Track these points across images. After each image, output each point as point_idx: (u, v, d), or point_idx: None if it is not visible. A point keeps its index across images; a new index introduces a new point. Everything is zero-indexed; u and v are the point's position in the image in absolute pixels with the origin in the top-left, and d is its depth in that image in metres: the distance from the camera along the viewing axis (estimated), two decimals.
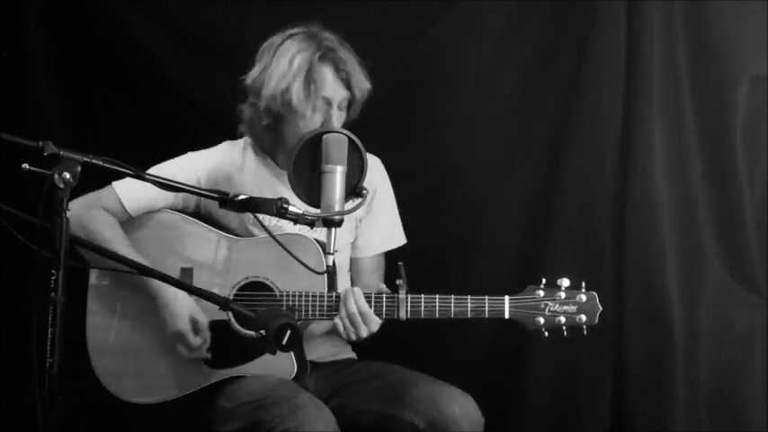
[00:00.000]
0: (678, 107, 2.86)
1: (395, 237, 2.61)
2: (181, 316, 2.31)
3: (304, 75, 2.34)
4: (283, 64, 2.35)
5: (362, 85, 2.41)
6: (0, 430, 2.96)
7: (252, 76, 2.40)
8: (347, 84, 2.39)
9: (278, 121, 2.40)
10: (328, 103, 2.37)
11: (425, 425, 2.26)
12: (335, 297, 2.31)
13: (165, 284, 2.26)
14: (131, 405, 2.40)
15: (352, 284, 2.55)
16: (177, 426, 2.55)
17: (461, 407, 2.27)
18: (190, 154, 2.48)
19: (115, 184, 2.39)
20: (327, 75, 2.37)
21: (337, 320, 2.29)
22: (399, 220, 2.61)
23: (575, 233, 2.91)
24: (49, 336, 1.67)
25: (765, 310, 2.89)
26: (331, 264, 2.15)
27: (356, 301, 2.26)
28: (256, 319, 1.87)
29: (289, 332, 1.82)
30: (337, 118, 2.38)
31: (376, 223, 2.56)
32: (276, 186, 2.44)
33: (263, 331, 1.85)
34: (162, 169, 2.40)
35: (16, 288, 2.65)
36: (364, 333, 2.27)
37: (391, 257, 2.57)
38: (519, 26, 2.92)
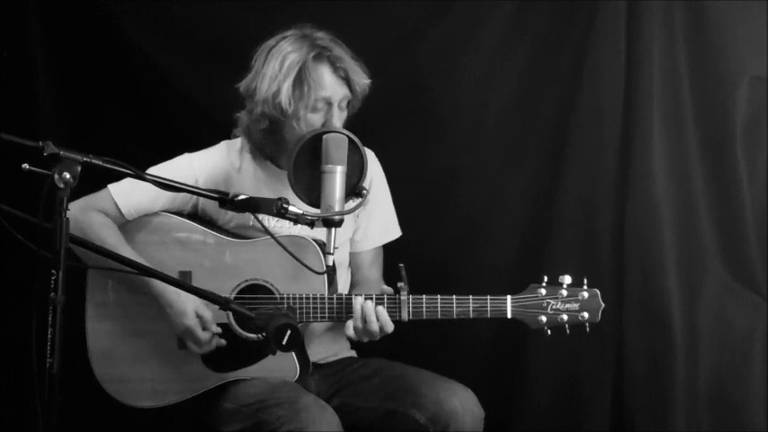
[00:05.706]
0: (678, 107, 2.86)
1: (392, 229, 2.60)
2: (186, 312, 2.29)
3: (294, 75, 2.28)
4: (274, 67, 2.30)
5: (362, 81, 2.36)
6: (0, 430, 2.95)
7: (245, 82, 2.37)
8: (347, 82, 2.33)
9: (276, 125, 2.34)
10: (328, 103, 2.31)
11: (426, 419, 2.26)
12: (336, 298, 2.30)
13: (166, 284, 2.24)
14: (133, 407, 2.39)
15: (352, 278, 2.55)
16: (179, 426, 2.55)
17: (462, 401, 2.28)
18: (186, 155, 2.45)
19: (111, 186, 2.36)
20: (325, 74, 2.31)
21: (351, 333, 2.28)
22: (394, 212, 2.60)
23: (575, 233, 2.90)
24: (49, 336, 1.67)
25: (765, 310, 2.88)
26: (331, 264, 2.15)
27: (379, 317, 2.25)
28: (256, 319, 1.88)
29: (289, 332, 1.83)
30: (339, 117, 2.33)
31: (373, 216, 2.54)
32: (275, 187, 2.41)
33: (263, 334, 1.85)
34: (158, 171, 2.36)
35: (16, 288, 2.65)
36: (378, 337, 2.28)
37: (393, 258, 2.57)
38: (519, 26, 2.92)
